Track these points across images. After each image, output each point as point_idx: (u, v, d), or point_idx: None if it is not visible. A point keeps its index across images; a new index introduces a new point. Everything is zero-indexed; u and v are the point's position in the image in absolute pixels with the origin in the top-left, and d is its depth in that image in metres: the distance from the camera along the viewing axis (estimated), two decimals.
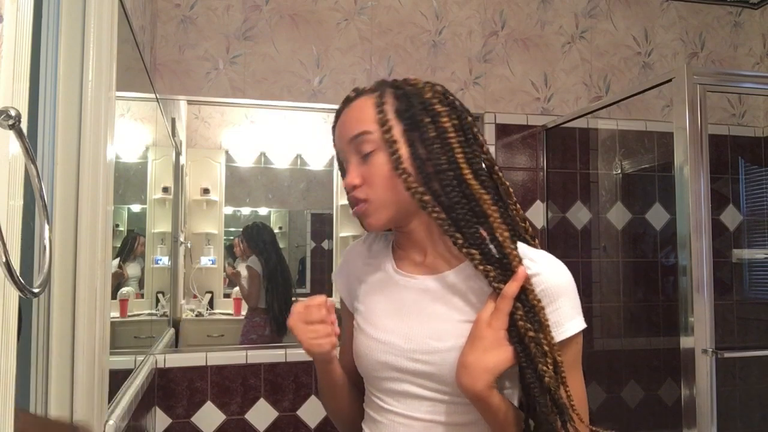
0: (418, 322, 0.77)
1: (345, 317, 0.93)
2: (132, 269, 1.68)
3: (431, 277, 0.80)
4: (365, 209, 0.78)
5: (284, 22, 2.11)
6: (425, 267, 0.82)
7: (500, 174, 0.80)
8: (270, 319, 2.15)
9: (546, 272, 0.74)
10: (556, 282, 0.74)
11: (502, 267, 0.72)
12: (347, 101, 0.83)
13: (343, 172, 0.84)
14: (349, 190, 0.79)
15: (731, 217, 2.41)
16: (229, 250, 2.24)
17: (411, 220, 0.80)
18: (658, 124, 2.35)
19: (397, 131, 0.76)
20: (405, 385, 0.77)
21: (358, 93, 0.82)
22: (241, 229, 2.25)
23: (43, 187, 0.59)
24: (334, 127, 0.85)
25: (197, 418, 1.81)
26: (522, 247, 0.77)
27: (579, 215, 2.26)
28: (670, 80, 1.53)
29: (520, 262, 0.72)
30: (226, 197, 2.20)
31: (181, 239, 2.07)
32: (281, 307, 2.15)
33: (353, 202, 0.80)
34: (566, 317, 0.73)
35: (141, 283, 1.76)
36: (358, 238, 0.96)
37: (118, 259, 1.36)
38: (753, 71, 2.51)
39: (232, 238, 2.23)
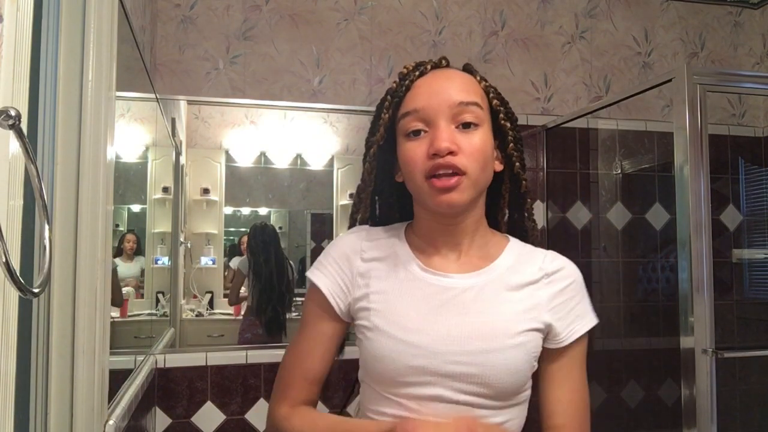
0: (459, 322, 0.74)
1: (318, 319, 0.83)
2: (127, 269, 1.67)
3: (467, 274, 0.78)
4: (460, 182, 0.72)
5: (284, 22, 2.11)
6: (458, 264, 0.80)
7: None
8: (261, 318, 2.15)
9: (570, 266, 0.81)
10: (579, 276, 0.81)
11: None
12: (438, 66, 0.81)
13: (374, 129, 0.82)
14: (443, 153, 0.71)
15: (731, 217, 2.41)
16: (232, 249, 2.24)
17: (473, 209, 0.79)
18: (658, 124, 2.35)
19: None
20: (437, 389, 0.73)
21: (449, 64, 0.83)
22: (243, 229, 2.26)
23: (43, 187, 0.59)
24: (407, 81, 0.78)
25: (197, 418, 1.81)
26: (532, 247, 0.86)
27: (579, 215, 2.26)
28: (670, 80, 1.53)
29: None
30: (226, 197, 2.20)
31: (181, 239, 2.07)
32: (274, 307, 2.16)
33: (442, 169, 0.72)
34: (589, 310, 0.81)
35: (140, 283, 1.76)
36: (345, 233, 0.87)
37: None
38: (753, 71, 2.50)
39: (232, 238, 2.23)
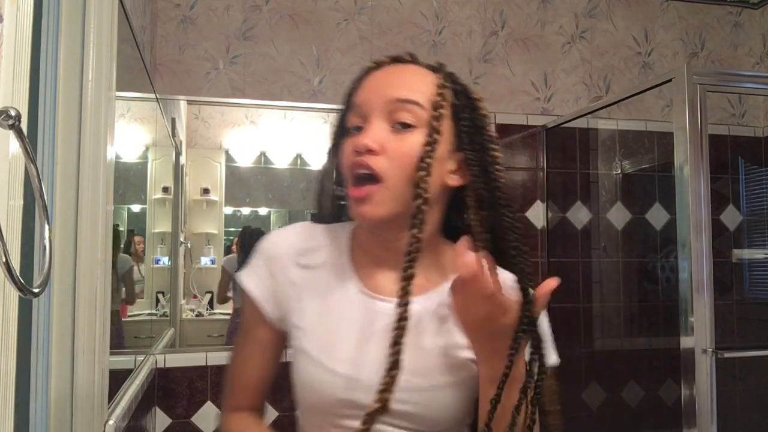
0: None
1: (253, 325, 0.75)
2: (136, 271, 1.67)
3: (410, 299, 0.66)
4: (373, 193, 0.64)
5: (284, 22, 2.11)
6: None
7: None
8: None
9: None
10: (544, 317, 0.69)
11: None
12: (398, 60, 0.71)
13: (341, 128, 0.73)
14: (361, 150, 0.64)
15: (731, 217, 2.41)
16: (228, 250, 2.24)
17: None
18: (658, 124, 2.35)
19: (445, 126, 0.66)
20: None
21: (414, 60, 0.72)
22: (241, 229, 2.26)
23: (43, 187, 0.59)
24: (362, 74, 0.72)
25: (197, 418, 1.81)
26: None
27: (579, 215, 2.26)
28: (670, 80, 1.53)
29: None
30: (226, 197, 2.20)
31: (181, 239, 2.07)
32: None
33: (358, 168, 0.64)
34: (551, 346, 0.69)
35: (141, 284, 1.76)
36: (279, 228, 0.77)
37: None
38: (753, 71, 2.51)
39: (232, 238, 2.23)
